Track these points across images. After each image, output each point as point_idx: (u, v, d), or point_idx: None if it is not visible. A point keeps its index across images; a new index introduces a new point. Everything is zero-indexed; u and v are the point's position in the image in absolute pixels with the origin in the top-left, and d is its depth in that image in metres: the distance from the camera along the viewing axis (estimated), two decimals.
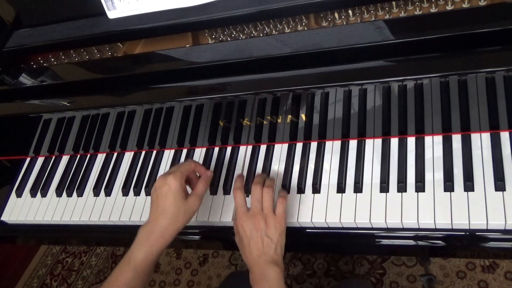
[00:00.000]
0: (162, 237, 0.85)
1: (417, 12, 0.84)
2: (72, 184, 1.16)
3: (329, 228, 0.92)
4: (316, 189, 0.94)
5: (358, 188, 0.91)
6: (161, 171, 1.10)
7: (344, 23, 0.89)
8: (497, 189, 0.82)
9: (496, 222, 0.79)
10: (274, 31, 0.93)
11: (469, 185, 0.83)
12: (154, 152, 1.14)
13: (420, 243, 0.87)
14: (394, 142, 0.93)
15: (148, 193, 1.08)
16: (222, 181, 1.03)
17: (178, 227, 0.86)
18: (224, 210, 0.99)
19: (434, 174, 0.87)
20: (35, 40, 1.06)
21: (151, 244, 0.84)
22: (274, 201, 0.91)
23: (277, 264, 0.84)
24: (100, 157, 1.19)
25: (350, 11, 0.88)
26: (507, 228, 0.79)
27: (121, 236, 1.12)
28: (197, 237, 1.04)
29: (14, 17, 1.09)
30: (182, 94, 0.99)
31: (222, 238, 1.01)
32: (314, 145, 1.00)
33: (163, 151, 1.13)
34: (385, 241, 0.89)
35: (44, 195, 1.18)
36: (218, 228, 1.01)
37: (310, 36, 0.88)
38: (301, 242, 0.97)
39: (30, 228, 1.19)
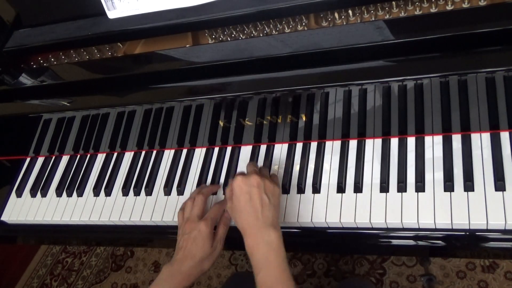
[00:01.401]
0: (187, 278, 0.87)
1: (417, 12, 0.84)
2: (72, 184, 1.16)
3: (329, 228, 0.92)
4: (316, 189, 0.94)
5: (358, 188, 0.91)
6: (161, 171, 1.10)
7: (344, 23, 0.89)
8: (497, 189, 0.82)
9: (496, 222, 0.79)
10: (274, 31, 0.93)
11: (469, 185, 0.83)
12: (154, 152, 1.14)
13: (420, 243, 0.87)
14: (394, 142, 0.93)
15: (148, 193, 1.08)
16: (222, 182, 1.03)
17: (202, 270, 0.89)
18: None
19: (434, 174, 0.87)
20: (35, 40, 1.06)
21: (177, 283, 0.87)
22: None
23: (275, 227, 0.82)
24: (100, 157, 1.19)
25: (350, 11, 0.88)
26: (507, 228, 0.79)
27: (121, 236, 1.12)
28: None
29: (14, 17, 1.08)
30: (182, 94, 0.99)
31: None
32: (314, 145, 1.00)
33: (163, 151, 1.13)
34: (385, 241, 0.89)
35: (44, 195, 1.18)
36: None
37: (310, 36, 0.88)
38: (301, 242, 0.97)
39: (30, 228, 1.19)
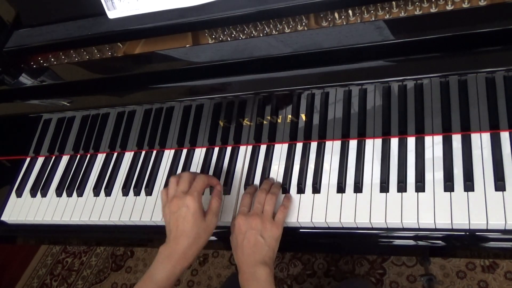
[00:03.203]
0: (184, 258, 0.86)
1: (417, 12, 0.84)
2: (72, 184, 1.16)
3: (329, 228, 0.92)
4: (316, 189, 0.94)
5: (358, 188, 0.91)
6: (161, 171, 1.10)
7: (344, 23, 0.89)
8: (497, 189, 0.82)
9: (496, 222, 0.79)
10: (274, 31, 0.93)
11: (469, 185, 0.83)
12: (154, 152, 1.14)
13: (420, 243, 0.87)
14: (394, 142, 0.93)
15: (148, 193, 1.08)
16: (222, 182, 1.03)
17: (200, 246, 0.88)
18: (224, 210, 0.99)
19: (434, 174, 0.87)
20: (35, 40, 1.06)
21: (174, 265, 0.85)
22: (276, 208, 0.92)
23: (267, 264, 0.85)
24: (100, 157, 1.19)
25: (350, 11, 0.88)
26: (507, 228, 0.79)
27: (121, 236, 1.12)
28: None
29: (14, 17, 1.08)
30: (182, 94, 0.99)
31: (222, 238, 1.01)
32: (314, 145, 1.00)
33: (163, 151, 1.13)
34: (385, 241, 0.89)
35: (44, 195, 1.18)
36: (218, 228, 1.01)
37: (310, 36, 0.88)
38: (301, 242, 0.97)
39: (30, 228, 1.19)
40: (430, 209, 0.84)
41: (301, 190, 0.96)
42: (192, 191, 0.88)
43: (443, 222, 0.82)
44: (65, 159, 1.23)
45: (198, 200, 0.88)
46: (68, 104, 1.09)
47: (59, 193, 1.16)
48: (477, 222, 0.80)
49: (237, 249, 0.88)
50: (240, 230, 0.88)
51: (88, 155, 1.20)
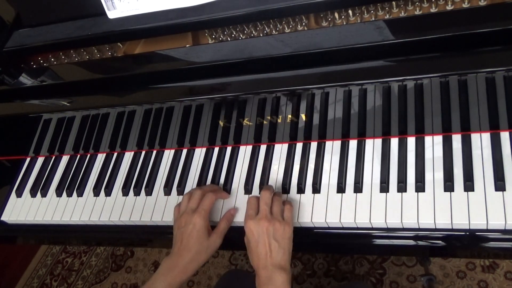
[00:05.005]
0: (184, 271, 0.90)
1: (417, 12, 0.84)
2: (72, 184, 1.16)
3: (329, 228, 0.92)
4: (316, 189, 0.94)
5: (358, 188, 0.91)
6: (161, 171, 1.10)
7: (344, 23, 0.89)
8: (497, 189, 0.82)
9: (496, 222, 0.79)
10: (274, 31, 0.93)
11: (469, 185, 0.83)
12: (154, 152, 1.14)
13: (420, 243, 0.87)
14: (394, 142, 0.93)
15: (148, 193, 1.08)
16: (222, 182, 1.04)
17: (200, 263, 0.92)
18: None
19: (434, 174, 0.87)
20: (35, 40, 1.06)
21: (173, 277, 0.89)
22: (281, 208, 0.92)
23: (284, 269, 0.85)
24: (100, 157, 1.19)
25: (350, 11, 0.88)
26: (507, 228, 0.79)
27: (121, 236, 1.12)
28: None
29: (14, 17, 1.08)
30: (182, 94, 0.99)
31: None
32: (314, 145, 1.00)
33: (163, 151, 1.13)
34: (385, 241, 0.89)
35: (44, 195, 1.18)
36: None
37: (310, 36, 0.88)
38: (301, 242, 0.97)
39: (30, 228, 1.19)
40: (430, 209, 0.84)
41: (301, 190, 0.96)
42: (200, 210, 0.92)
43: (443, 222, 0.82)
44: (65, 159, 1.23)
45: (204, 218, 0.92)
46: (68, 104, 1.09)
47: (59, 193, 1.16)
48: (477, 222, 0.80)
49: (252, 254, 0.88)
50: (252, 235, 0.88)
51: (88, 155, 1.20)
